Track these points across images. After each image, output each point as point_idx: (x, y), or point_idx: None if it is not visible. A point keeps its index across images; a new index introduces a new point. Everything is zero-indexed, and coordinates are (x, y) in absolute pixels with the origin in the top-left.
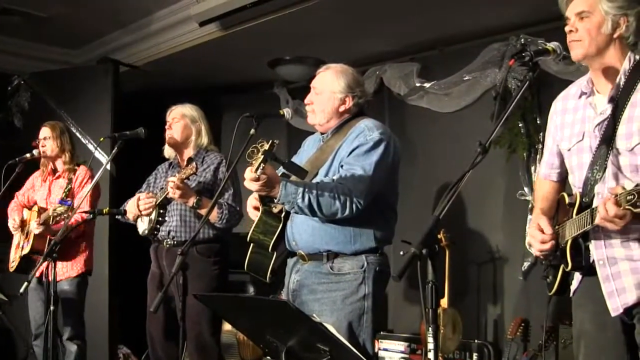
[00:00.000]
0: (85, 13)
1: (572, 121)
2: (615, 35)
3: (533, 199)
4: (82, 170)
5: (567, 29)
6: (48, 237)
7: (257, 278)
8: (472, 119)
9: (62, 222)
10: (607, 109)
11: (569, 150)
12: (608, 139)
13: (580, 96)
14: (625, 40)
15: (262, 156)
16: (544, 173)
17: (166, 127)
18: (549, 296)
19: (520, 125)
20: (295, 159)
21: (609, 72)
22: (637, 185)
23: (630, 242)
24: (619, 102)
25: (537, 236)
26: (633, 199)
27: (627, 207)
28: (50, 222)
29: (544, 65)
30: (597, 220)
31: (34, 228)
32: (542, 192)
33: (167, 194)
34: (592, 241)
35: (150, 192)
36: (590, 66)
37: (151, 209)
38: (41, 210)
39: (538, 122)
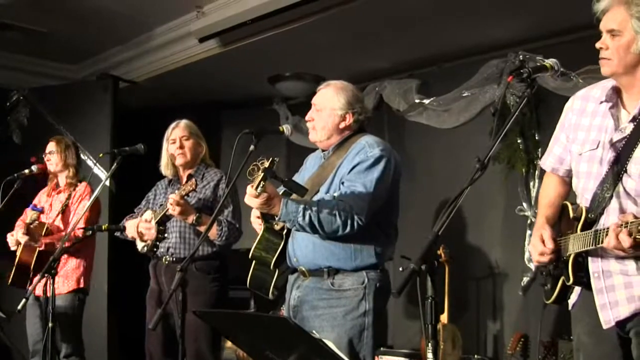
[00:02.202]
0: (85, 29)
1: (588, 125)
2: None
3: (533, 213)
4: (82, 187)
5: (597, 45)
6: (37, 249)
7: (258, 294)
8: (471, 134)
9: (56, 235)
10: (628, 128)
11: (580, 155)
12: (623, 159)
13: (601, 102)
14: None
15: (263, 174)
16: (553, 167)
17: (175, 145)
18: (544, 304)
19: (519, 141)
20: (297, 177)
21: (636, 89)
22: None
23: (624, 259)
24: (639, 123)
25: (537, 247)
26: None
27: (638, 237)
28: (29, 229)
29: (542, 81)
30: (605, 245)
31: (20, 237)
32: (550, 198)
33: (167, 210)
34: (590, 255)
35: (153, 210)
36: (618, 82)
37: (149, 235)
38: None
39: (537, 138)
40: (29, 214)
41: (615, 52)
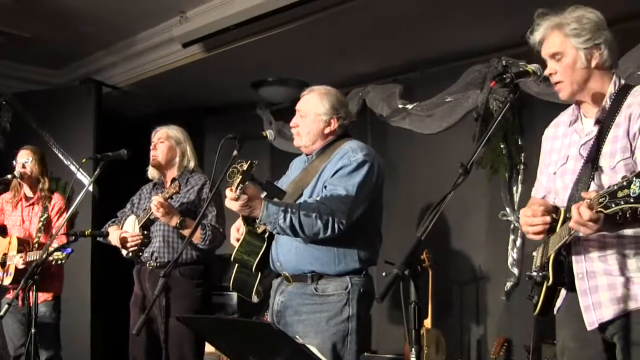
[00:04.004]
0: (68, 34)
1: (559, 147)
2: (592, 66)
3: (516, 217)
4: (57, 199)
5: (546, 72)
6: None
7: (242, 299)
8: (454, 140)
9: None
10: (593, 131)
11: (554, 173)
12: (593, 158)
13: (569, 124)
14: (603, 66)
15: (241, 176)
16: (542, 195)
17: (151, 147)
18: (535, 317)
19: (502, 146)
20: (282, 180)
21: (595, 98)
22: (608, 187)
23: (607, 257)
24: (604, 124)
25: (526, 211)
26: (604, 200)
27: (599, 209)
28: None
29: (525, 86)
30: (570, 224)
31: (19, 264)
32: (539, 200)
33: (151, 214)
34: (574, 255)
35: (136, 214)
36: (578, 100)
37: (134, 244)
38: (21, 242)
39: (519, 142)
40: (61, 255)
41: (563, 72)
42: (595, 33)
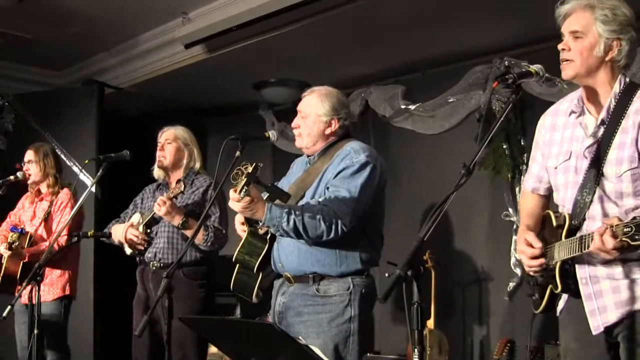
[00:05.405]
0: (70, 35)
1: (560, 139)
2: (607, 58)
3: (519, 218)
4: (63, 194)
5: (559, 46)
6: (21, 262)
7: (244, 300)
8: (456, 140)
9: (42, 246)
10: (598, 132)
11: (555, 168)
12: (598, 163)
13: (570, 114)
14: (616, 63)
15: (246, 179)
16: (533, 187)
17: (158, 148)
18: (533, 314)
19: (504, 146)
20: (283, 181)
21: (600, 94)
22: (634, 219)
23: (611, 262)
24: (609, 126)
25: (527, 251)
26: (630, 231)
27: (624, 239)
28: (14, 247)
29: (527, 87)
30: (591, 248)
31: (2, 251)
32: (528, 209)
33: (154, 213)
34: (577, 262)
35: (141, 212)
36: (581, 85)
37: (137, 242)
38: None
39: (522, 143)
40: (10, 235)
41: (578, 53)
42: (624, 27)
